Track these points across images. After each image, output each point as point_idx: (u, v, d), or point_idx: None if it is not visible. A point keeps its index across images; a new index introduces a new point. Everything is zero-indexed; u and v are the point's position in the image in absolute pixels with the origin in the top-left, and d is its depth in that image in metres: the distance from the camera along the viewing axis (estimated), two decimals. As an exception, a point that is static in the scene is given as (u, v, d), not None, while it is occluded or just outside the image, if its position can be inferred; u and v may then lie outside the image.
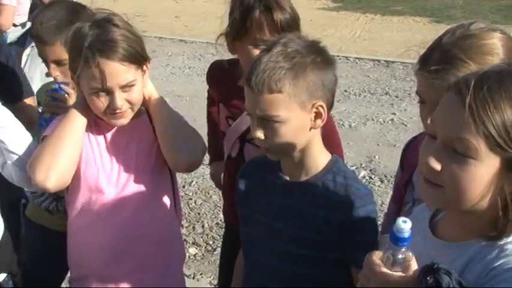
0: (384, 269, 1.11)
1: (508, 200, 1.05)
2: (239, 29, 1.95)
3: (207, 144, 2.04)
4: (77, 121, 1.79)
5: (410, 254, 1.10)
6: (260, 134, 1.49)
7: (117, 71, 1.70)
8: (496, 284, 1.03)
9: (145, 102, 1.84)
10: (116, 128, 1.84)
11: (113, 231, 1.83)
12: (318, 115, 1.50)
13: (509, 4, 11.30)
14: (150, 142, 1.84)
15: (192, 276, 3.58)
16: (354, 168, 4.94)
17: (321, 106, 1.50)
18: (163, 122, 1.81)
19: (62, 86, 2.07)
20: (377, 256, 1.14)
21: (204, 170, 4.94)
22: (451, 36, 1.44)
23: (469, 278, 1.08)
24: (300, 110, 1.47)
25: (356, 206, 1.50)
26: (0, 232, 1.98)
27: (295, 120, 1.47)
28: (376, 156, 5.13)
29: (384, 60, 7.96)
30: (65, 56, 2.01)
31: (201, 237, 3.99)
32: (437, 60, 1.41)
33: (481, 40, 1.41)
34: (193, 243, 3.92)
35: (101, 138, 1.85)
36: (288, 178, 1.59)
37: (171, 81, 7.46)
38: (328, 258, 1.54)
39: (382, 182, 4.68)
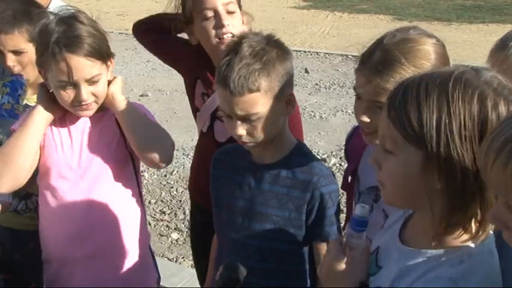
0: (329, 260, 1.16)
1: (430, 197, 1.03)
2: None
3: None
4: (39, 124, 1.76)
5: (363, 240, 1.14)
6: (242, 131, 1.51)
7: (83, 66, 1.69)
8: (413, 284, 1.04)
9: (109, 103, 1.79)
10: (78, 120, 1.82)
11: (71, 217, 1.81)
12: (288, 102, 1.55)
13: (463, 4, 11.46)
14: (111, 136, 1.82)
15: (174, 259, 3.55)
16: (325, 156, 4.95)
17: (291, 94, 1.54)
18: (130, 123, 1.77)
19: (18, 77, 2.01)
20: (333, 243, 1.19)
21: (184, 159, 4.90)
22: (392, 38, 1.44)
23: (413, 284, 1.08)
24: (275, 102, 1.50)
25: (320, 185, 1.54)
26: None
27: (272, 112, 1.50)
28: (346, 145, 5.14)
29: (352, 55, 7.97)
30: (22, 45, 1.97)
31: (183, 223, 3.95)
32: (377, 59, 1.41)
33: (418, 45, 1.42)
34: (175, 229, 3.89)
35: (64, 129, 1.83)
36: (257, 161, 1.62)
37: (153, 76, 7.37)
38: (293, 234, 1.58)
39: (351, 168, 4.70)
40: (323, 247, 1.57)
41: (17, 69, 2.02)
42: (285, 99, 1.53)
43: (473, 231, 1.04)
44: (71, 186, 1.81)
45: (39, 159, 1.84)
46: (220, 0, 1.89)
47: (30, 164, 1.76)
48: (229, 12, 1.91)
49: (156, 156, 1.75)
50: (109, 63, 1.79)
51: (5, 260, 2.07)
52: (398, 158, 1.05)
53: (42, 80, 1.84)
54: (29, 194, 2.07)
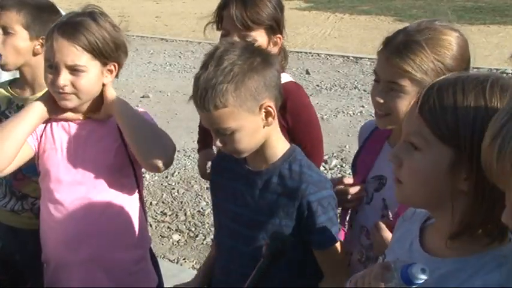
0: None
1: (454, 197, 1.01)
2: (217, 22, 1.98)
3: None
4: (32, 117, 1.76)
5: None
6: (219, 143, 1.51)
7: (67, 50, 1.68)
8: None
9: (108, 107, 1.78)
10: (80, 124, 1.81)
11: (69, 221, 1.80)
12: (267, 114, 1.49)
13: (464, 5, 11.49)
14: (112, 142, 1.80)
15: (175, 261, 3.55)
16: (326, 157, 4.95)
17: (269, 106, 1.49)
18: (129, 125, 1.75)
19: None
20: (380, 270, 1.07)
21: (186, 161, 4.91)
22: (417, 26, 1.48)
23: None
24: (249, 115, 1.46)
25: (309, 192, 1.51)
26: None
27: (247, 125, 1.47)
28: (347, 146, 5.15)
29: (353, 57, 8.00)
30: (13, 25, 1.99)
31: (184, 224, 3.96)
32: (399, 41, 1.45)
33: (441, 35, 1.45)
34: (176, 230, 3.89)
35: (66, 133, 1.82)
36: (250, 168, 1.61)
37: (154, 77, 7.38)
38: None
39: (352, 170, 4.70)
40: (324, 254, 1.57)
41: None
42: (262, 111, 1.48)
43: (496, 233, 1.02)
44: (69, 190, 1.80)
45: (39, 161, 1.83)
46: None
47: (13, 152, 1.73)
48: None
49: (156, 159, 1.72)
50: (110, 66, 1.77)
51: (4, 259, 2.07)
52: (426, 155, 1.03)
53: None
54: (24, 195, 2.09)
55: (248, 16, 1.87)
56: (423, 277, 1.00)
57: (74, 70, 1.69)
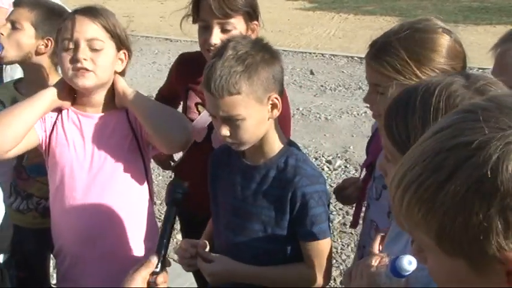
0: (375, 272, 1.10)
1: None
2: (194, 14, 1.98)
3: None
4: (44, 101, 1.78)
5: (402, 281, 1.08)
6: (226, 132, 1.54)
7: (87, 25, 1.74)
8: None
9: (121, 99, 1.82)
10: (91, 118, 1.84)
11: (83, 217, 1.83)
12: (273, 106, 1.55)
13: (469, 5, 11.46)
14: (123, 136, 1.84)
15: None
16: (330, 158, 4.95)
17: (276, 98, 1.54)
18: (146, 110, 1.80)
19: None
20: (374, 262, 1.12)
21: (190, 161, 4.91)
22: (399, 27, 1.47)
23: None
24: (257, 105, 1.52)
25: (301, 185, 1.56)
26: (1, 215, 1.94)
27: (255, 114, 1.52)
28: (351, 147, 5.14)
29: (357, 57, 7.98)
30: (22, 21, 2.04)
31: (188, 224, 3.96)
32: (378, 45, 1.46)
33: (421, 33, 1.42)
34: (180, 230, 3.88)
35: (76, 128, 1.84)
36: (248, 162, 1.65)
37: (158, 77, 7.39)
38: (281, 233, 1.61)
39: (356, 170, 4.69)
40: (306, 246, 1.60)
41: (3, 38, 2.06)
42: (269, 103, 1.54)
43: None
44: (83, 186, 1.82)
45: (49, 157, 1.85)
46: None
47: (20, 134, 1.73)
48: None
49: (178, 137, 1.79)
50: (121, 54, 1.82)
51: (20, 257, 2.10)
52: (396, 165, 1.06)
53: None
54: (29, 194, 2.11)
55: (226, 3, 1.87)
56: (410, 268, 1.03)
57: (93, 47, 1.74)
